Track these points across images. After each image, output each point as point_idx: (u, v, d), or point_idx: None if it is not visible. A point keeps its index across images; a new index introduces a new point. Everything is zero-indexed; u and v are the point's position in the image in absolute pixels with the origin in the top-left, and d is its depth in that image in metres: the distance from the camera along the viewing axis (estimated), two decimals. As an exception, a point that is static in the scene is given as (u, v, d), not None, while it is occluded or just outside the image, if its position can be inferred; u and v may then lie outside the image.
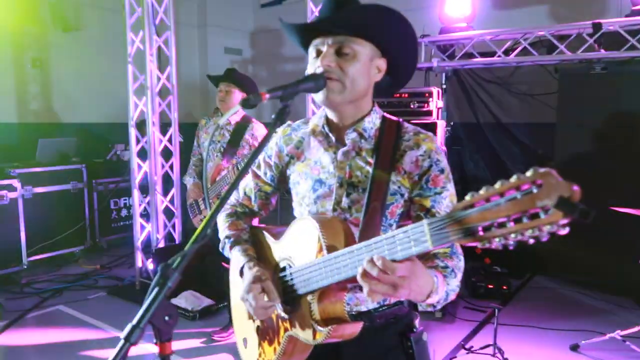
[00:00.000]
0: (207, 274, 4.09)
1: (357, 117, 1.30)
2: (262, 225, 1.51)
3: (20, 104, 5.99)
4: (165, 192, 4.64)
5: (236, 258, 1.38)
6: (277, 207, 1.58)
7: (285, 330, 1.26)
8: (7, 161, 5.13)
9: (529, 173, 0.71)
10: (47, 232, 5.03)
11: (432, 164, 1.24)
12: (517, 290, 4.51)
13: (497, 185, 0.74)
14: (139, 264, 4.56)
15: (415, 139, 1.27)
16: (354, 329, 1.17)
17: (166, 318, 0.87)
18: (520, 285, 4.62)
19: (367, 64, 1.24)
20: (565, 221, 0.68)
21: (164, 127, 4.63)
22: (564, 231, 0.69)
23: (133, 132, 4.51)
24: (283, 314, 1.25)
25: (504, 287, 4.33)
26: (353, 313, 1.25)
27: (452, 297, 1.15)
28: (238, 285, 1.42)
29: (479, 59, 4.51)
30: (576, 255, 4.19)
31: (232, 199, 1.53)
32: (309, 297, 1.17)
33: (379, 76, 1.29)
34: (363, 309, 1.27)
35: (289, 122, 1.41)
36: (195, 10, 7.70)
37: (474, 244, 0.78)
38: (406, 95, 4.13)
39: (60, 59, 6.23)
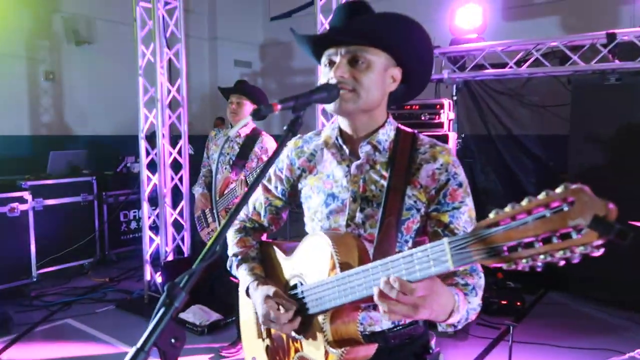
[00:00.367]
0: (216, 288, 4.05)
1: (371, 128, 1.26)
2: (272, 240, 1.47)
3: (32, 116, 6.05)
4: (175, 205, 4.62)
5: (242, 277, 1.34)
6: (286, 221, 1.54)
7: (296, 351, 1.21)
8: (19, 173, 5.16)
9: (559, 190, 0.66)
10: (57, 244, 5.02)
11: (449, 177, 1.20)
12: (531, 306, 4.40)
13: (524, 202, 0.70)
14: (148, 277, 4.53)
15: (431, 152, 1.23)
16: (367, 352, 1.12)
17: (172, 341, 0.83)
18: (534, 301, 4.52)
19: (381, 73, 1.20)
20: (600, 242, 0.63)
21: (174, 139, 4.63)
22: (598, 253, 0.65)
23: (143, 144, 4.51)
24: (294, 334, 1.20)
25: (518, 303, 4.23)
26: (367, 333, 1.20)
27: (473, 316, 1.10)
28: (246, 305, 1.38)
29: (490, 70, 4.46)
30: (590, 270, 4.09)
31: (242, 214, 1.49)
32: (321, 317, 1.12)
33: (394, 86, 1.25)
34: (377, 329, 1.23)
35: (299, 134, 1.38)
36: (205, 23, 7.77)
37: (498, 265, 0.73)
38: (417, 107, 4.09)
39: (73, 71, 6.30)
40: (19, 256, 4.59)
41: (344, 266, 1.08)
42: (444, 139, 3.89)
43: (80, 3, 6.25)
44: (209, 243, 0.92)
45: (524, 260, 0.70)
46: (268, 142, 3.43)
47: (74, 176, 5.38)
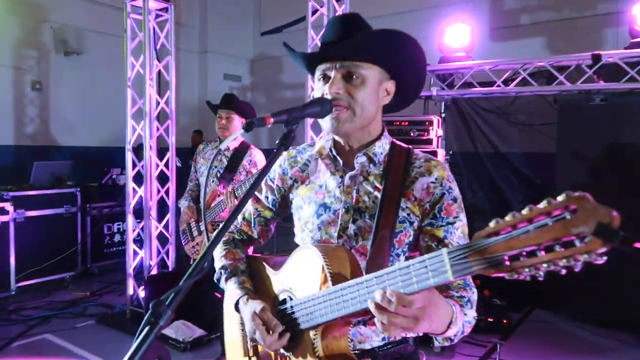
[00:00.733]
0: (200, 303, 3.97)
1: (366, 140, 1.25)
2: (260, 254, 1.44)
3: (17, 126, 5.96)
4: (160, 218, 4.55)
5: (232, 291, 1.30)
6: (274, 234, 1.51)
7: (285, 367, 1.17)
8: (1, 183, 5.06)
9: (561, 198, 0.65)
10: (38, 257, 4.90)
11: (444, 191, 1.19)
12: (517, 324, 4.39)
13: (525, 211, 0.68)
14: (131, 291, 4.43)
15: (426, 166, 1.22)
16: (358, 368, 1.09)
17: (156, 361, 0.79)
18: (520, 319, 4.51)
19: (375, 88, 1.20)
20: (603, 250, 0.62)
21: (162, 151, 4.58)
22: (601, 260, 0.63)
23: (130, 156, 4.46)
24: (282, 351, 1.16)
25: (504, 321, 4.21)
26: (356, 351, 1.17)
27: (468, 330, 1.08)
28: (233, 320, 1.34)
29: (478, 89, 4.52)
30: (576, 289, 4.11)
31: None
32: (312, 333, 1.09)
33: (388, 99, 1.25)
34: (367, 346, 1.20)
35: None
36: (196, 37, 7.79)
37: (499, 275, 0.71)
38: (406, 123, 4.11)
39: (60, 82, 6.24)
40: (-3, 269, 4.47)
41: (336, 279, 1.06)
42: (433, 155, 3.90)
43: (70, 14, 6.22)
44: (197, 260, 0.90)
45: (526, 270, 0.68)
46: (257, 156, 3.42)
47: (58, 187, 5.29)
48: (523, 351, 3.76)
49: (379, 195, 1.20)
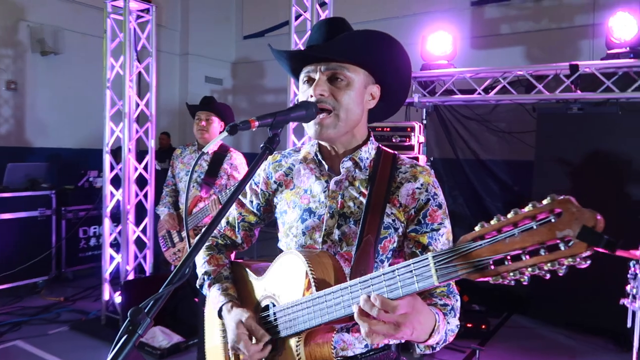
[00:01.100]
0: (178, 308, 3.90)
1: (352, 145, 1.24)
2: (242, 260, 1.41)
3: (-10, 126, 5.80)
4: (138, 222, 4.47)
5: (215, 298, 1.27)
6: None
7: (267, 375, 1.14)
8: (-27, 185, 4.91)
9: (545, 201, 0.65)
10: (10, 260, 4.75)
11: (429, 197, 1.18)
12: (496, 329, 4.43)
13: (510, 215, 0.68)
14: (106, 297, 4.33)
15: (412, 171, 1.21)
16: (341, 375, 1.07)
17: (134, 369, 0.76)
18: (499, 324, 4.55)
19: (361, 91, 1.19)
20: (588, 253, 0.62)
21: (141, 154, 4.50)
22: (585, 264, 0.63)
23: (108, 159, 4.37)
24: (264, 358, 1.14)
25: (483, 326, 4.25)
26: (339, 358, 1.16)
27: (451, 338, 1.07)
28: (214, 327, 1.31)
29: (459, 96, 4.57)
30: (554, 294, 4.17)
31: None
32: (295, 339, 1.07)
33: (373, 103, 1.24)
34: (350, 353, 1.18)
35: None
36: (177, 39, 7.71)
37: (484, 279, 0.71)
38: (388, 129, 4.13)
39: (36, 82, 6.10)
40: (-33, 273, 4.33)
41: (320, 285, 1.04)
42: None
43: (48, 13, 6.10)
44: (178, 266, 0.89)
45: (511, 274, 0.67)
46: (237, 159, 3.37)
47: (32, 190, 5.15)
48: (501, 356, 3.79)
49: (364, 200, 1.18)
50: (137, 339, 0.77)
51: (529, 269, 0.66)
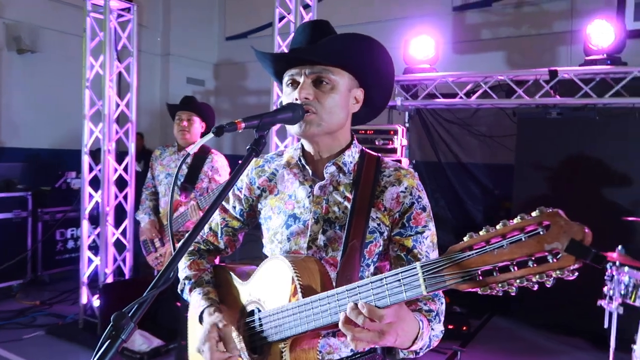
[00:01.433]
0: (158, 311, 3.84)
1: (335, 149, 1.24)
2: (226, 263, 1.39)
3: (-37, 125, 5.64)
4: (118, 224, 4.39)
5: (196, 302, 1.25)
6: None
7: (252, 382, 1.13)
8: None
9: (534, 213, 0.66)
10: (-17, 264, 4.63)
11: (414, 201, 1.19)
12: (477, 331, 4.48)
13: (499, 226, 0.68)
14: (84, 300, 4.25)
15: (396, 175, 1.22)
16: (327, 380, 1.07)
17: (117, 374, 0.74)
18: (479, 326, 4.60)
19: (345, 94, 1.19)
20: (576, 266, 0.62)
21: (121, 155, 4.43)
22: (572, 277, 0.64)
23: (86, 160, 4.29)
24: (249, 364, 1.13)
25: (464, 328, 4.29)
26: (325, 362, 1.15)
27: (435, 343, 1.08)
28: (197, 332, 1.29)
29: (441, 100, 4.62)
30: (534, 296, 4.23)
31: None
32: (281, 345, 1.06)
33: (357, 107, 1.24)
34: (335, 357, 1.18)
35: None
36: (159, 39, 7.61)
37: (472, 290, 0.71)
38: (371, 132, 4.15)
39: (12, 81, 5.94)
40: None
41: (307, 292, 1.03)
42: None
43: (25, 10, 5.95)
44: (161, 270, 0.88)
45: (499, 285, 0.68)
46: (218, 161, 3.32)
47: (7, 191, 5.03)
48: (482, 357, 3.83)
49: (349, 205, 1.18)
50: (121, 345, 0.76)
51: (517, 281, 0.66)
